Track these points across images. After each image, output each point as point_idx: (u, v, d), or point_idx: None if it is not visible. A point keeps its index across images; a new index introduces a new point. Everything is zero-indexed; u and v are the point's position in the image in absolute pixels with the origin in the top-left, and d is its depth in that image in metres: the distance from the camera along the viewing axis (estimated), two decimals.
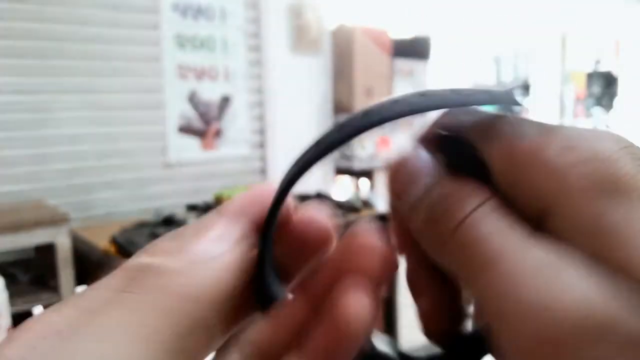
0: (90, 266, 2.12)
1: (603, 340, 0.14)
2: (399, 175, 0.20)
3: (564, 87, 8.34)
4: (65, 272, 2.05)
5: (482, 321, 0.19)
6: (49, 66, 2.41)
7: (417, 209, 0.19)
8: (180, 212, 2.44)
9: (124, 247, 1.95)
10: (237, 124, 3.03)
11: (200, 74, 2.85)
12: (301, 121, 3.27)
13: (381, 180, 3.40)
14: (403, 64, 3.45)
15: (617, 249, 0.15)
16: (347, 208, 2.49)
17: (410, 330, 2.61)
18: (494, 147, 0.18)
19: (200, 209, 2.48)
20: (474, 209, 0.17)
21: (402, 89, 3.47)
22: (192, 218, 2.34)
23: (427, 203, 0.19)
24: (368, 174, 3.44)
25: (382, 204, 2.73)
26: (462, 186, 0.18)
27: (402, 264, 0.21)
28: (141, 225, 2.22)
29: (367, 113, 0.18)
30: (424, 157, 0.20)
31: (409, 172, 0.20)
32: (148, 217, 2.35)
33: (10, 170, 2.34)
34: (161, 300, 0.17)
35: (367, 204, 2.65)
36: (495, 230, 0.17)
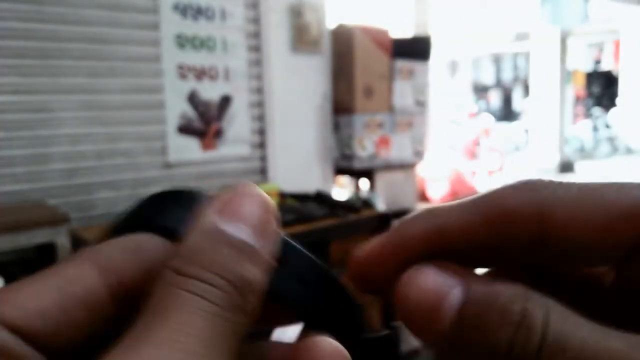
0: None
1: None
2: (410, 302, 0.16)
3: (564, 87, 8.34)
4: None
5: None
6: (49, 66, 2.41)
7: (461, 341, 0.16)
8: None
9: None
10: (237, 124, 3.03)
11: (200, 74, 2.85)
12: (301, 121, 3.27)
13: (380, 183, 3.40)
14: (403, 64, 3.45)
15: None
16: (347, 208, 2.49)
17: None
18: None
19: None
20: (546, 315, 0.15)
21: (402, 88, 3.47)
22: None
23: (476, 330, 0.15)
24: (368, 174, 3.44)
25: (381, 204, 2.73)
26: (502, 289, 0.16)
27: None
28: None
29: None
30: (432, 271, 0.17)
31: (422, 293, 0.16)
32: None
33: (10, 170, 2.35)
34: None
35: (367, 204, 2.65)
36: (584, 333, 0.14)
